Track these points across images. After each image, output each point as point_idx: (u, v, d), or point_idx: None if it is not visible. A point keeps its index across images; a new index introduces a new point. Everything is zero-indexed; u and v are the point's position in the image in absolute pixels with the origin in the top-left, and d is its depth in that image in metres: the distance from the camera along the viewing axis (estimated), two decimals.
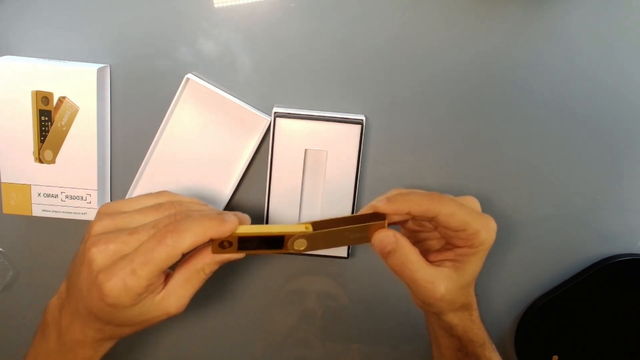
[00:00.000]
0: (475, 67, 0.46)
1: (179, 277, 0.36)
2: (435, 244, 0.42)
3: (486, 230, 0.36)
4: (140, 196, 0.38)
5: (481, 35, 0.45)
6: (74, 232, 0.50)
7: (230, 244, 0.35)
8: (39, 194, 0.46)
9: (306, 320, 0.54)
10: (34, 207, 0.46)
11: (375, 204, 0.36)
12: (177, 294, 0.36)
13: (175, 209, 0.36)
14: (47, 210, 0.46)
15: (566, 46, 0.46)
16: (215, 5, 0.44)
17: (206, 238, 0.34)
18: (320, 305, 0.54)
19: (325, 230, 0.36)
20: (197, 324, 0.54)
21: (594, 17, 0.45)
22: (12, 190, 0.45)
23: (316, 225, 0.37)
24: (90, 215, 0.46)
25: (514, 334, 0.54)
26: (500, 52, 0.45)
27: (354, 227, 0.37)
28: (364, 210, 0.37)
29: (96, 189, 0.46)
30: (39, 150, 0.44)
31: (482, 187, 0.49)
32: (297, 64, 0.46)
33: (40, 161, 0.45)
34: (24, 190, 0.45)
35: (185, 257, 0.36)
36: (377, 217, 0.37)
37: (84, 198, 0.46)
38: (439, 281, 0.37)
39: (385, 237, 0.37)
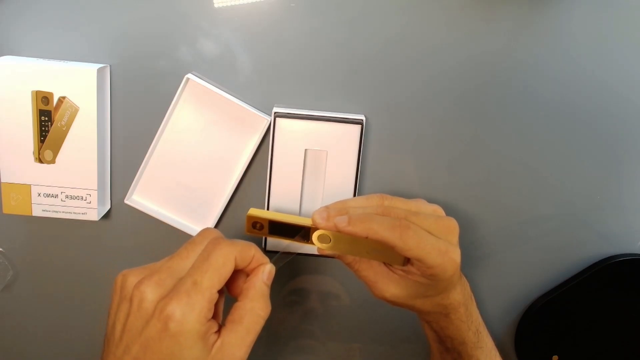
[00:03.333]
0: (476, 67, 0.46)
1: (235, 326, 0.32)
2: None
3: (441, 267, 0.36)
4: None
5: (481, 35, 0.45)
6: (74, 232, 0.50)
7: (262, 227, 0.38)
8: (39, 194, 0.46)
9: (307, 320, 0.54)
10: (34, 207, 0.46)
11: (337, 220, 0.36)
12: (235, 345, 0.31)
13: (205, 233, 0.34)
14: (47, 210, 0.46)
15: (566, 46, 0.46)
16: (215, 5, 0.44)
17: (250, 251, 0.33)
18: (320, 305, 0.54)
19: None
20: None
21: (594, 17, 0.45)
22: (12, 190, 0.45)
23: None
24: (90, 215, 0.46)
25: (514, 334, 0.54)
26: (500, 52, 0.45)
27: (375, 243, 0.37)
28: (336, 212, 0.37)
29: (96, 189, 0.46)
30: (39, 150, 0.44)
31: (482, 187, 0.49)
32: (297, 64, 0.46)
33: (40, 161, 0.45)
34: (24, 190, 0.45)
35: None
36: None
37: (84, 198, 0.46)
38: (385, 284, 0.39)
39: (326, 252, 0.38)
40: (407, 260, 0.38)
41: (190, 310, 0.29)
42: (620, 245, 0.51)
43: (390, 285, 0.39)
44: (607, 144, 0.48)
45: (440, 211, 0.39)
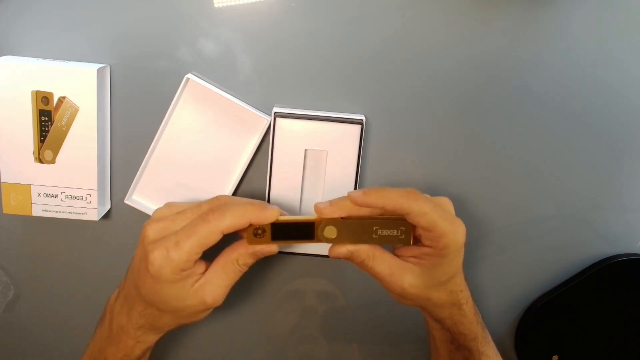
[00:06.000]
0: (476, 67, 0.46)
1: (215, 265, 0.38)
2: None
3: (453, 234, 0.37)
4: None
5: (481, 35, 0.45)
6: (74, 232, 0.50)
7: (264, 231, 0.37)
8: (39, 194, 0.46)
9: (307, 320, 0.54)
10: (34, 207, 0.46)
11: (351, 193, 0.37)
12: (213, 283, 0.38)
13: (219, 199, 0.39)
14: (47, 210, 0.46)
15: (566, 46, 0.46)
16: (215, 5, 0.44)
17: (245, 220, 0.36)
18: (321, 305, 0.54)
19: (355, 220, 0.38)
20: (198, 324, 0.54)
21: (594, 17, 0.45)
22: (12, 190, 0.45)
23: (345, 218, 0.38)
24: (90, 215, 0.46)
25: (514, 334, 0.54)
26: (500, 52, 0.45)
27: (382, 221, 0.38)
28: (344, 202, 0.38)
29: (96, 189, 0.46)
30: (39, 150, 0.44)
31: (482, 187, 0.49)
32: (297, 64, 0.46)
33: (40, 161, 0.45)
34: (24, 190, 0.45)
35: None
36: (401, 219, 0.38)
37: (84, 198, 0.46)
38: (402, 274, 0.39)
39: (337, 254, 0.39)
40: (414, 240, 0.38)
41: (167, 264, 0.35)
42: (620, 245, 0.51)
43: (406, 274, 0.39)
44: (607, 144, 0.48)
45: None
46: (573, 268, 0.52)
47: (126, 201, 0.47)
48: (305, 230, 0.38)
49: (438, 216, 0.36)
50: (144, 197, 0.48)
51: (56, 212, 0.46)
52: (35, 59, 0.44)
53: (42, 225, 0.50)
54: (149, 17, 0.44)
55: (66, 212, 0.46)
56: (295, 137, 0.45)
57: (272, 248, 0.38)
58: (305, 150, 0.46)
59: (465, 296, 0.42)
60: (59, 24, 0.45)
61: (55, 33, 0.45)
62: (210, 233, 0.35)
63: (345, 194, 0.47)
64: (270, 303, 0.53)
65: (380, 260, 0.39)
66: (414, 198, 0.36)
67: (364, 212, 0.38)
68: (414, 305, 0.41)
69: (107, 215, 0.49)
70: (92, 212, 0.46)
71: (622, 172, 0.49)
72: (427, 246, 0.38)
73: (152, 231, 0.37)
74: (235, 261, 0.38)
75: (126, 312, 0.39)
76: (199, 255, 0.36)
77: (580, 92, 0.47)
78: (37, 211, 0.46)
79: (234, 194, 0.48)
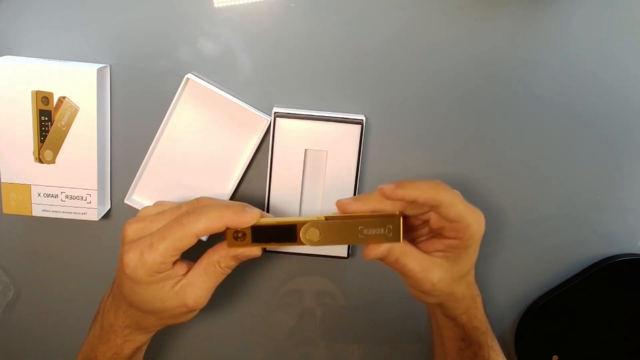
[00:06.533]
0: (476, 67, 0.46)
1: (197, 267, 0.38)
2: (424, 232, 0.42)
3: (477, 224, 0.37)
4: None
5: (481, 35, 0.45)
6: (74, 232, 0.50)
7: (245, 235, 0.36)
8: (39, 194, 0.46)
9: (306, 320, 0.54)
10: (34, 207, 0.46)
11: (383, 187, 0.36)
12: (194, 285, 0.37)
13: (199, 200, 0.38)
14: (47, 210, 0.46)
15: (566, 46, 0.46)
16: (215, 5, 0.44)
17: (222, 224, 0.35)
18: (320, 306, 0.54)
19: (339, 220, 0.36)
20: (197, 325, 0.54)
21: (594, 17, 0.45)
22: (12, 190, 0.45)
23: (329, 218, 0.37)
24: (90, 215, 0.46)
25: (514, 334, 0.54)
26: (500, 52, 0.45)
27: (367, 220, 0.36)
28: (372, 196, 0.37)
29: (96, 189, 0.46)
30: (39, 150, 0.44)
31: (482, 187, 0.49)
32: (297, 64, 0.46)
33: (40, 161, 0.45)
34: (24, 190, 0.45)
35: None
36: (389, 215, 0.37)
37: (84, 198, 0.46)
38: (432, 269, 0.38)
39: (374, 255, 0.37)
40: (398, 238, 0.37)
41: (140, 266, 0.35)
42: (620, 245, 0.51)
43: (436, 269, 0.38)
44: (607, 144, 0.48)
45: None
46: (573, 268, 0.52)
47: (126, 201, 0.47)
48: (287, 233, 0.36)
49: (464, 207, 0.37)
50: (144, 197, 0.48)
51: (56, 212, 0.46)
52: (35, 59, 0.44)
53: (42, 225, 0.50)
54: (149, 17, 0.44)
55: (66, 212, 0.46)
56: (295, 137, 0.45)
57: (254, 251, 0.37)
58: (305, 150, 0.46)
59: (477, 288, 0.42)
60: (59, 24, 0.45)
61: (55, 33, 0.45)
62: (185, 236, 0.35)
63: (345, 194, 0.47)
64: (271, 303, 0.53)
65: (411, 257, 0.38)
66: (443, 190, 0.36)
67: (387, 206, 0.37)
68: (435, 301, 0.41)
69: (107, 215, 0.49)
70: (92, 212, 0.46)
71: (622, 172, 0.49)
72: (451, 238, 0.38)
73: (131, 231, 0.37)
74: (217, 263, 0.37)
75: (114, 311, 0.39)
76: (175, 257, 0.36)
77: (580, 92, 0.47)
78: (37, 211, 0.46)
79: (234, 194, 0.48)
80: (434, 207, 0.37)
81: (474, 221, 0.37)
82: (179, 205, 0.38)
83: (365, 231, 0.37)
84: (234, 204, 0.36)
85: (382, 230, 0.37)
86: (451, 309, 0.41)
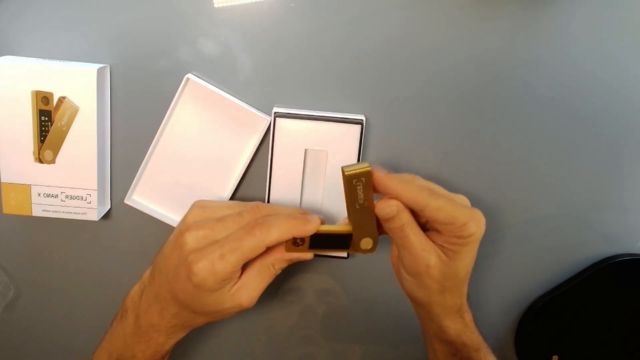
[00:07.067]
0: (476, 67, 0.46)
1: (252, 270, 0.39)
2: (424, 223, 0.42)
3: (475, 222, 0.37)
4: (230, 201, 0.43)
5: (481, 35, 0.45)
6: (74, 232, 0.50)
7: (303, 241, 0.38)
8: (39, 194, 0.46)
9: (306, 320, 0.54)
10: (34, 207, 0.46)
11: (378, 171, 0.37)
12: (249, 287, 0.38)
13: (259, 208, 0.39)
14: (47, 210, 0.46)
15: (566, 46, 0.46)
16: (215, 5, 0.44)
17: (290, 235, 0.37)
18: (320, 306, 0.54)
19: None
20: None
21: (594, 17, 0.45)
22: (12, 190, 0.45)
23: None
24: (90, 215, 0.46)
25: (514, 334, 0.54)
26: (500, 51, 0.45)
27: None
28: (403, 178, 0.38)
29: (96, 189, 0.46)
30: (39, 150, 0.44)
31: (482, 187, 0.49)
32: (297, 64, 0.46)
33: (40, 161, 0.45)
34: (24, 190, 0.45)
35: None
36: None
37: (84, 198, 0.46)
38: (430, 251, 0.38)
39: (387, 206, 0.37)
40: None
41: (211, 276, 0.35)
42: (620, 245, 0.51)
43: (434, 254, 0.38)
44: (607, 143, 0.48)
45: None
46: (573, 268, 0.52)
47: (126, 201, 0.47)
48: (342, 241, 0.39)
49: (454, 208, 0.36)
50: (144, 197, 0.48)
51: (56, 212, 0.46)
52: (35, 59, 0.44)
53: (42, 225, 0.50)
54: (148, 17, 0.44)
55: (66, 212, 0.46)
56: (295, 137, 0.45)
57: (308, 256, 0.39)
58: (305, 150, 0.46)
59: (467, 305, 0.42)
60: (59, 24, 0.45)
61: (55, 33, 0.45)
62: (256, 247, 0.36)
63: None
64: (271, 303, 0.53)
65: (416, 232, 0.38)
66: (428, 193, 0.36)
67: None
68: (423, 297, 0.40)
69: (107, 215, 0.49)
70: (92, 212, 0.46)
71: (622, 172, 0.49)
72: (449, 236, 0.38)
73: (191, 239, 0.37)
74: (271, 265, 0.39)
75: (158, 312, 0.40)
76: (238, 270, 0.37)
77: (580, 92, 0.47)
78: (37, 211, 0.46)
79: (234, 194, 0.48)
80: (420, 211, 0.37)
81: (470, 219, 0.37)
82: (239, 214, 0.38)
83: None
84: (296, 214, 0.38)
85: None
86: (437, 316, 0.41)
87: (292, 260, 0.39)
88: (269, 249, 0.38)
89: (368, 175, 0.35)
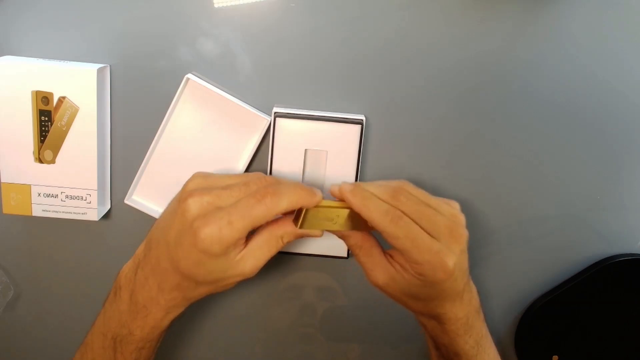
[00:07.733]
0: (475, 67, 0.46)
1: (259, 239, 0.38)
2: None
3: (430, 267, 0.36)
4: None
5: (481, 35, 0.45)
6: (74, 232, 0.50)
7: (299, 216, 0.38)
8: (39, 194, 0.46)
9: (306, 320, 0.54)
10: (34, 207, 0.46)
11: (344, 186, 0.38)
12: (254, 256, 0.38)
13: (264, 178, 0.38)
14: (47, 210, 0.46)
15: (566, 46, 0.46)
16: (215, 5, 0.44)
17: (298, 205, 0.36)
18: (320, 305, 0.54)
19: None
20: (197, 320, 0.54)
21: (594, 17, 0.45)
22: (12, 190, 0.45)
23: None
24: (90, 215, 0.46)
25: (514, 334, 0.54)
26: (500, 51, 0.45)
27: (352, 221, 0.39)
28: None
29: (96, 189, 0.46)
30: (39, 150, 0.44)
31: (482, 186, 0.49)
32: (297, 64, 0.46)
33: (40, 161, 0.45)
34: (24, 190, 0.45)
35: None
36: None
37: (84, 198, 0.46)
38: (379, 272, 0.39)
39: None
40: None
41: (218, 242, 0.34)
42: (620, 245, 0.51)
43: (384, 275, 0.39)
44: (607, 143, 0.48)
45: (455, 205, 0.40)
46: (573, 268, 0.52)
47: (126, 201, 0.47)
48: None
49: (414, 245, 0.35)
50: (144, 197, 0.48)
51: (56, 212, 0.46)
52: (35, 59, 0.44)
53: (42, 225, 0.50)
54: (148, 17, 0.44)
55: (66, 212, 0.46)
56: (295, 137, 0.45)
57: (317, 232, 0.39)
58: (305, 150, 0.46)
59: (449, 318, 0.40)
60: (59, 24, 0.45)
61: (55, 33, 0.45)
62: (266, 216, 0.35)
63: None
64: (271, 302, 0.53)
65: (366, 253, 0.40)
66: (390, 219, 0.36)
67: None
68: (398, 300, 0.41)
69: (107, 215, 0.49)
70: (92, 212, 0.46)
71: (622, 172, 0.49)
72: (405, 265, 0.38)
73: (195, 205, 0.35)
74: (280, 238, 0.38)
75: (157, 285, 0.38)
76: (243, 238, 0.37)
77: (581, 92, 0.47)
78: (37, 211, 0.46)
79: None
80: (381, 233, 0.37)
81: (425, 262, 0.36)
82: (245, 183, 0.37)
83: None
84: (302, 185, 0.38)
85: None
86: (415, 316, 0.42)
87: (301, 236, 0.39)
88: (277, 220, 0.38)
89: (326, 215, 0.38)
